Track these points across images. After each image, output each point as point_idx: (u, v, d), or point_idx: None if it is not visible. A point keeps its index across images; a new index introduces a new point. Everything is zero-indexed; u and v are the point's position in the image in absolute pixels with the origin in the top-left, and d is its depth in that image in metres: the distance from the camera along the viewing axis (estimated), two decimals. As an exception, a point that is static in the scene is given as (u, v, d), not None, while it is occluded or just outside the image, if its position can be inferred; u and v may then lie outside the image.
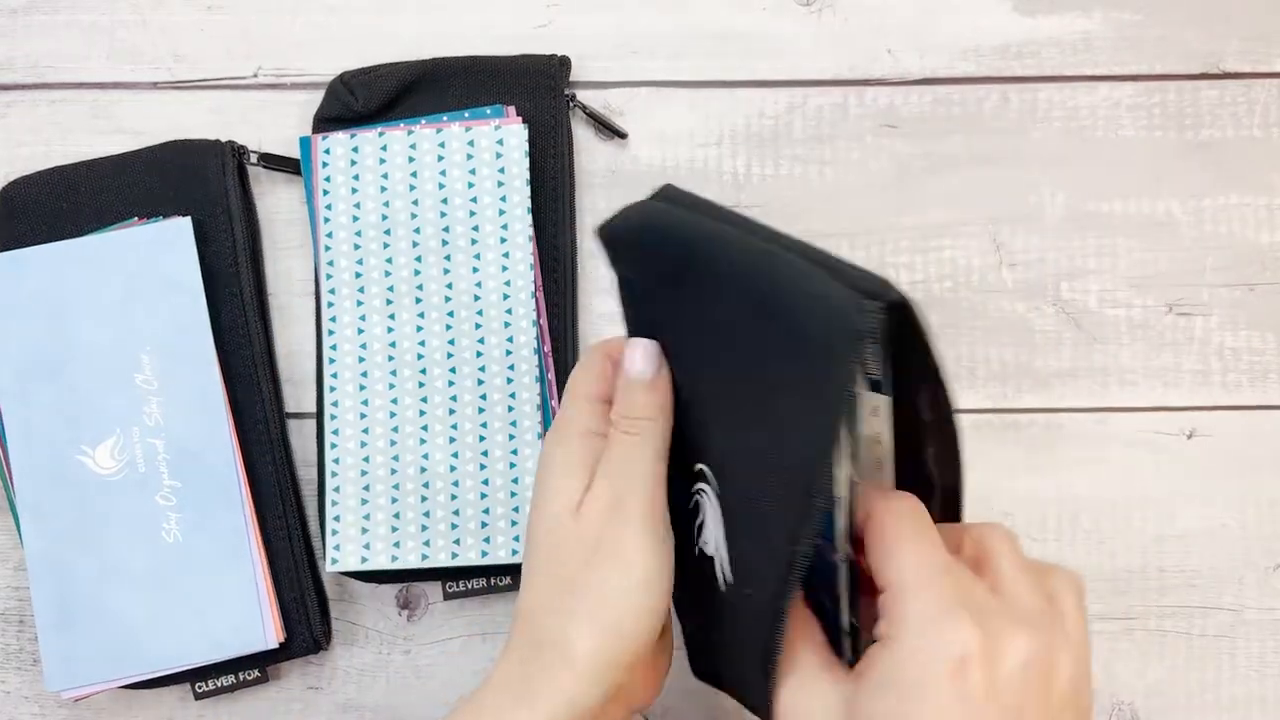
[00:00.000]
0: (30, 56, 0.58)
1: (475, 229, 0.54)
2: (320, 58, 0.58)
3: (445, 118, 0.55)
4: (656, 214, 0.41)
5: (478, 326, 0.54)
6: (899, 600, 0.34)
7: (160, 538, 0.53)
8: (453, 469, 0.53)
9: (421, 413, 0.54)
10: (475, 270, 0.54)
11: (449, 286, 0.54)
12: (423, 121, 0.55)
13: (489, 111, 0.55)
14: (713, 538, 0.39)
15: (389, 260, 0.54)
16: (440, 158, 0.55)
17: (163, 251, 0.54)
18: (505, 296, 0.54)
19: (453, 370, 0.54)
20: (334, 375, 0.54)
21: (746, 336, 0.36)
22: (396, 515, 0.53)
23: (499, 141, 0.55)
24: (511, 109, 0.56)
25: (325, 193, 0.55)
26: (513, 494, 0.53)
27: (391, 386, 0.54)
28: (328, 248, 0.54)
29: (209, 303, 0.54)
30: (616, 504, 0.39)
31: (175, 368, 0.53)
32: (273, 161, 0.57)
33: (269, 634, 0.52)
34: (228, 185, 0.55)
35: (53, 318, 0.53)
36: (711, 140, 0.58)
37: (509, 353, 0.54)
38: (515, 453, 0.54)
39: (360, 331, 0.54)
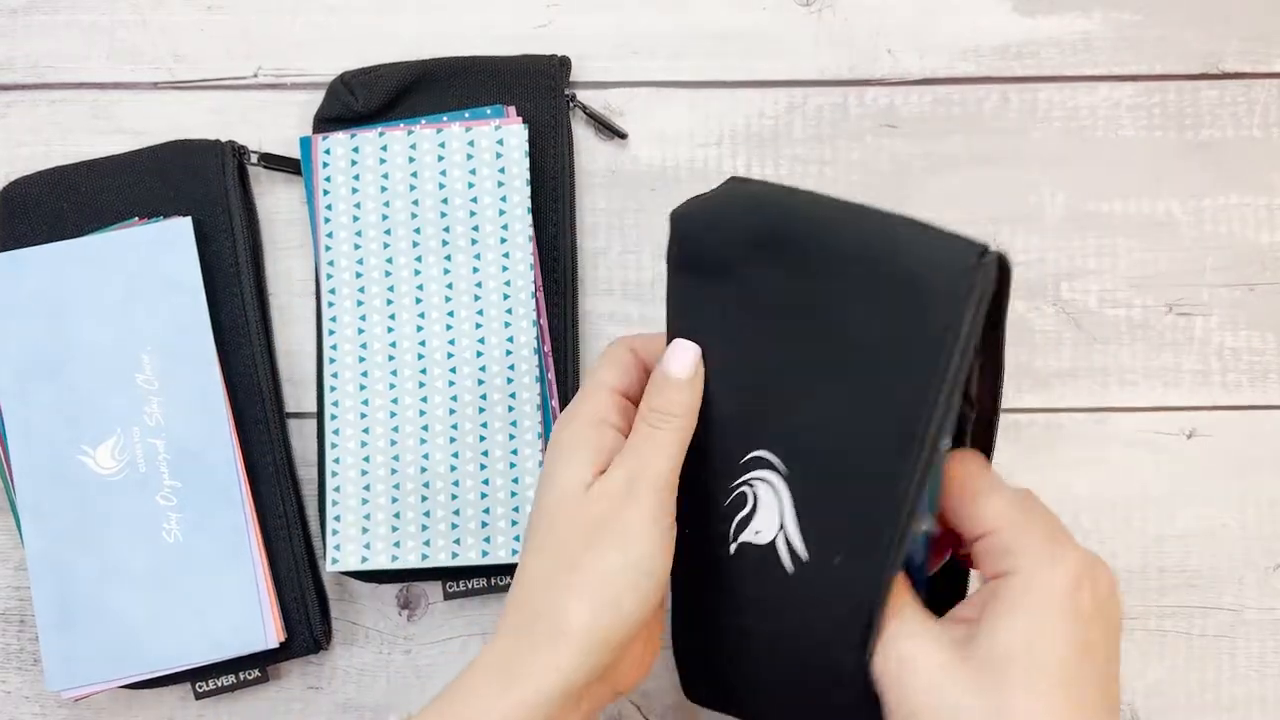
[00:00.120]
0: (30, 56, 0.58)
1: (475, 229, 0.54)
2: (320, 58, 0.58)
3: (445, 118, 0.55)
4: (743, 190, 0.42)
5: (478, 326, 0.54)
6: (1009, 537, 0.37)
7: (161, 538, 0.53)
8: (453, 469, 0.53)
9: (422, 413, 0.54)
10: (475, 270, 0.54)
11: (449, 286, 0.54)
12: (423, 121, 0.55)
13: (489, 112, 0.55)
14: (769, 523, 0.40)
15: (389, 260, 0.54)
16: (440, 158, 0.55)
17: (163, 251, 0.54)
18: (505, 296, 0.54)
19: (453, 370, 0.54)
20: (334, 375, 0.54)
21: (845, 299, 0.38)
22: (397, 515, 0.53)
23: (499, 142, 0.55)
24: (512, 109, 0.56)
25: (325, 193, 0.55)
26: (513, 494, 0.53)
27: (392, 386, 0.54)
28: (328, 248, 0.55)
29: (209, 303, 0.54)
30: (629, 490, 0.40)
31: (176, 368, 0.53)
32: (273, 161, 0.57)
33: (269, 634, 0.53)
34: (228, 185, 0.55)
35: (53, 318, 0.54)
36: (711, 140, 0.58)
37: (509, 353, 0.54)
38: (515, 453, 0.54)
39: (361, 331, 0.54)
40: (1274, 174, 0.57)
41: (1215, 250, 0.57)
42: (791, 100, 0.58)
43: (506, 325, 0.54)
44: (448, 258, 0.54)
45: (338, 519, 0.53)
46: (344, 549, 0.53)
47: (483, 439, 0.54)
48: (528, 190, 0.55)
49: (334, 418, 0.54)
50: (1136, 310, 0.57)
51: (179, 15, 0.58)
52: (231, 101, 0.58)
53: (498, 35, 0.58)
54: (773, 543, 0.40)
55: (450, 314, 0.54)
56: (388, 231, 0.55)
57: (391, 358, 0.54)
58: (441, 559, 0.53)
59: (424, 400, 0.54)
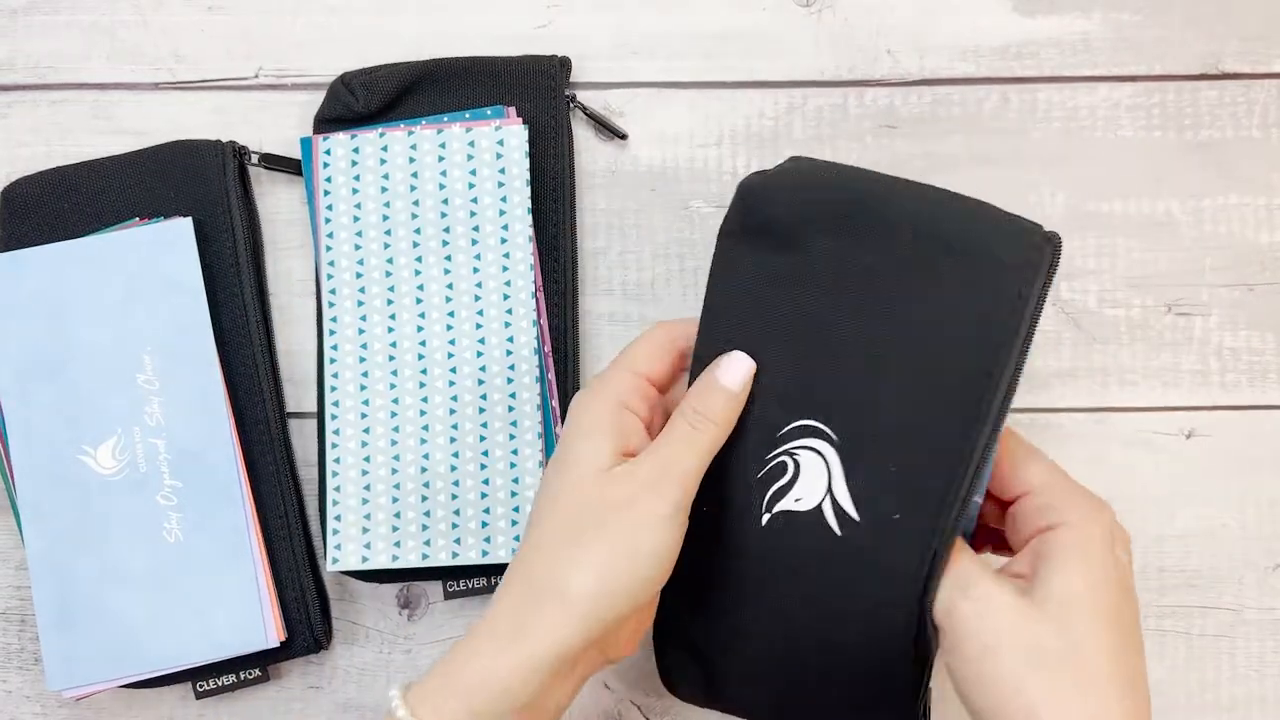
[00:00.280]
0: (31, 57, 0.58)
1: (476, 229, 0.55)
2: (321, 58, 0.58)
3: (446, 118, 0.55)
4: (812, 166, 0.44)
5: (478, 326, 0.54)
6: (1052, 496, 0.41)
7: (161, 537, 0.53)
8: (453, 469, 0.54)
9: (422, 412, 0.54)
10: (476, 270, 0.54)
11: (449, 287, 0.54)
12: (423, 122, 0.55)
13: (489, 112, 0.55)
14: (813, 490, 0.41)
15: (390, 260, 0.54)
16: (441, 158, 0.55)
17: (164, 252, 0.54)
18: (505, 296, 0.54)
19: (453, 370, 0.54)
20: (335, 375, 0.54)
21: (913, 272, 0.41)
22: (397, 515, 0.53)
23: (499, 142, 0.55)
24: (512, 110, 0.56)
25: (326, 193, 0.55)
26: (513, 494, 0.53)
27: (392, 386, 0.54)
28: (329, 248, 0.55)
29: (210, 303, 0.54)
30: (654, 481, 0.41)
31: (176, 368, 0.53)
32: (274, 162, 0.57)
33: (270, 633, 0.53)
34: (228, 186, 0.55)
35: (53, 318, 0.54)
36: (711, 141, 0.58)
37: (509, 353, 0.54)
38: (515, 453, 0.54)
39: (361, 331, 0.54)
40: (1274, 174, 0.57)
41: (1215, 250, 0.57)
42: (791, 101, 0.58)
43: (507, 325, 0.54)
44: (448, 258, 0.54)
45: (338, 519, 0.53)
46: (344, 549, 0.53)
47: (483, 439, 0.54)
48: (528, 191, 0.55)
49: (334, 418, 0.54)
50: (1136, 310, 0.57)
51: (179, 15, 0.58)
52: (232, 102, 0.58)
53: (498, 35, 0.58)
54: (818, 508, 0.41)
55: (450, 314, 0.54)
56: (388, 232, 0.55)
57: (392, 358, 0.54)
58: (442, 559, 0.53)
59: (424, 400, 0.54)
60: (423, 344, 0.54)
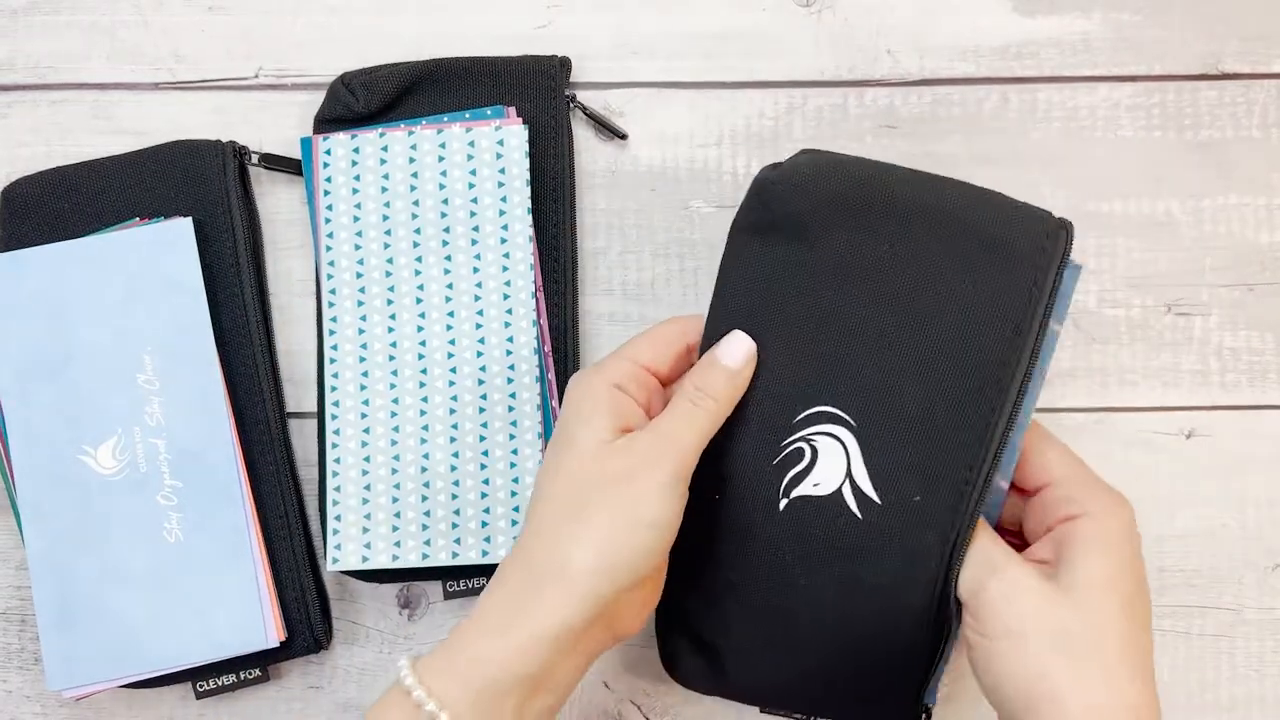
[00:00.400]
0: (31, 57, 0.58)
1: (476, 229, 0.55)
2: (321, 58, 0.58)
3: (446, 118, 0.55)
4: (825, 159, 0.45)
5: (478, 326, 0.54)
6: (1073, 488, 0.43)
7: (161, 537, 0.53)
8: (453, 469, 0.54)
9: (422, 412, 0.54)
10: (476, 270, 0.54)
11: (449, 287, 0.54)
12: (423, 122, 0.55)
13: (489, 112, 0.55)
14: (832, 474, 0.42)
15: (390, 260, 0.54)
16: (441, 158, 0.55)
17: (164, 252, 0.54)
18: (505, 296, 0.54)
19: (453, 370, 0.54)
20: (335, 375, 0.54)
21: (929, 259, 0.42)
22: (397, 515, 0.53)
23: (499, 142, 0.55)
24: (512, 110, 0.56)
25: (326, 193, 0.55)
26: (513, 494, 0.53)
27: (392, 386, 0.54)
28: (329, 248, 0.55)
29: (210, 303, 0.54)
30: (651, 454, 0.41)
31: (176, 368, 0.53)
32: (274, 162, 0.57)
33: (270, 633, 0.53)
34: (229, 186, 0.55)
35: (54, 318, 0.54)
36: (711, 141, 0.58)
37: (509, 353, 0.54)
38: (515, 453, 0.54)
39: (361, 331, 0.54)
40: (1273, 174, 0.57)
41: (1214, 250, 0.57)
42: (791, 101, 0.58)
43: (507, 325, 0.54)
44: (448, 258, 0.54)
45: (338, 518, 0.53)
46: (345, 548, 0.53)
47: (483, 439, 0.54)
48: (528, 191, 0.55)
49: (335, 418, 0.54)
50: (1136, 310, 0.57)
51: (180, 15, 0.58)
52: (232, 102, 0.58)
53: (498, 36, 0.58)
54: (837, 492, 0.42)
55: (450, 314, 0.54)
56: (388, 232, 0.55)
57: (392, 358, 0.54)
58: (442, 558, 0.53)
59: (424, 400, 0.54)
60: (423, 344, 0.54)
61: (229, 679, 0.54)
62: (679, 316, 0.46)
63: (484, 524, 0.53)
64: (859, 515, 0.42)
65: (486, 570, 0.54)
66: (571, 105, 0.57)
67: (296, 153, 0.56)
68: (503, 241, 0.54)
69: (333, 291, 0.54)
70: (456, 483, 0.53)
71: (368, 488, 0.53)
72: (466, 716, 0.40)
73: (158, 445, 0.53)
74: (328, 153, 0.55)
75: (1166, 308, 0.57)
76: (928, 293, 0.42)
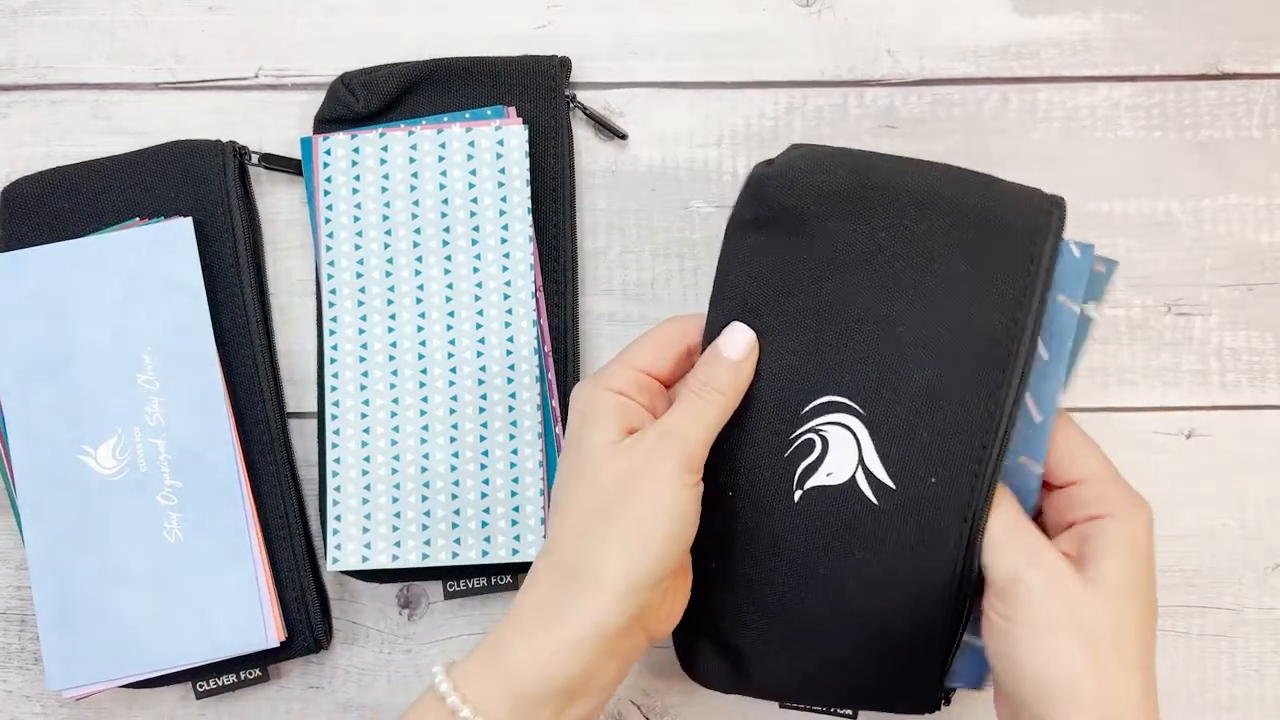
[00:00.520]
0: (31, 57, 0.58)
1: (476, 229, 0.55)
2: (321, 58, 0.58)
3: (446, 118, 0.55)
4: (817, 152, 0.45)
5: (478, 326, 0.54)
6: (1102, 488, 0.43)
7: (161, 537, 0.53)
8: (453, 469, 0.54)
9: (422, 412, 0.54)
10: (476, 270, 0.54)
11: (449, 287, 0.54)
12: (423, 122, 0.55)
13: (489, 112, 0.55)
14: (844, 463, 0.43)
15: (390, 260, 0.54)
16: (441, 158, 0.55)
17: (164, 252, 0.54)
18: (505, 296, 0.54)
19: (453, 370, 0.54)
20: (335, 375, 0.54)
21: (928, 243, 0.42)
22: (397, 515, 0.53)
23: (499, 142, 0.55)
24: (512, 110, 0.56)
25: (326, 193, 0.55)
26: (513, 494, 0.53)
27: (392, 386, 0.54)
28: (329, 248, 0.55)
29: (210, 303, 0.54)
30: (660, 447, 0.41)
31: (176, 368, 0.53)
32: (274, 162, 0.57)
33: (270, 633, 0.53)
34: (229, 186, 0.55)
35: (54, 318, 0.54)
36: (711, 141, 0.58)
37: (509, 353, 0.54)
38: (515, 453, 0.54)
39: (361, 331, 0.54)
40: (1273, 174, 0.57)
41: (1215, 250, 0.57)
42: (791, 101, 0.58)
43: (507, 325, 0.54)
44: (448, 258, 0.54)
45: (338, 518, 0.53)
46: (345, 548, 0.53)
47: (483, 439, 0.54)
48: (528, 191, 0.55)
49: (335, 418, 0.54)
50: (1136, 310, 0.57)
51: (180, 15, 0.58)
52: (232, 102, 0.58)
53: (498, 36, 0.58)
54: (851, 480, 0.42)
55: (451, 314, 0.54)
56: (388, 232, 0.55)
57: (392, 358, 0.54)
58: (442, 558, 0.53)
59: (424, 400, 0.54)
60: (423, 344, 0.54)
61: (229, 679, 0.54)
62: (679, 316, 0.46)
63: (484, 524, 0.53)
64: (875, 501, 0.42)
65: (486, 570, 0.54)
66: (571, 105, 0.57)
67: (296, 153, 0.56)
68: (503, 241, 0.54)
69: (333, 291, 0.54)
70: (456, 483, 0.53)
71: (368, 488, 0.53)
72: None
73: (158, 445, 0.53)
74: (328, 153, 0.55)
75: (1166, 308, 0.57)
76: (926, 275, 0.42)
